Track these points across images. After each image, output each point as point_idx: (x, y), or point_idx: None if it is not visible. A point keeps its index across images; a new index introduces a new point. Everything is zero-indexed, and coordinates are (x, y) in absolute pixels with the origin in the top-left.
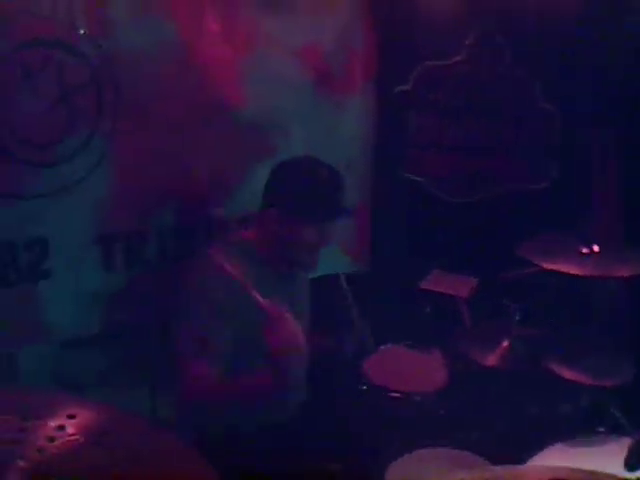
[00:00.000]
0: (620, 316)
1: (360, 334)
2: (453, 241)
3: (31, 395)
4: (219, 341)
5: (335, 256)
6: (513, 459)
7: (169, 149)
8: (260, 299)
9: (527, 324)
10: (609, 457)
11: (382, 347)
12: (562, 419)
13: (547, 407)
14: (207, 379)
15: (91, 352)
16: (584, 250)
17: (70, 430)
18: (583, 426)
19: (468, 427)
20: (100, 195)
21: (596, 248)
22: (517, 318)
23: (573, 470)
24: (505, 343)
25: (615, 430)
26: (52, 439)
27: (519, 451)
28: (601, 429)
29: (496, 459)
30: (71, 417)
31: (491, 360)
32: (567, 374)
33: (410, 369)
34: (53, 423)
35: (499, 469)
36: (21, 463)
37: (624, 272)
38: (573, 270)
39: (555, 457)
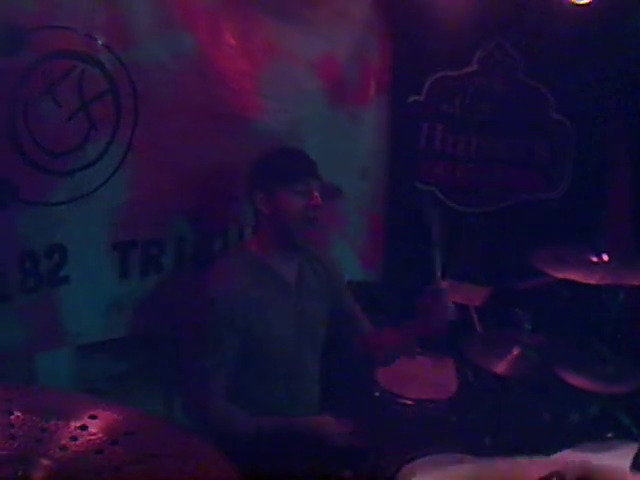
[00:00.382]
0: (629, 324)
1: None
2: (465, 250)
3: (53, 396)
4: (228, 355)
5: (348, 264)
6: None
7: (186, 158)
8: None
9: (538, 332)
10: (617, 463)
11: None
12: (571, 426)
13: (557, 414)
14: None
15: (108, 357)
16: (594, 259)
17: (92, 430)
18: (592, 432)
19: (479, 433)
20: (117, 203)
21: (606, 257)
22: (528, 327)
23: (570, 463)
24: (516, 351)
25: (624, 436)
26: (75, 438)
27: (529, 457)
28: (610, 435)
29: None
30: (93, 417)
31: (502, 368)
32: (576, 382)
33: (422, 376)
34: (75, 423)
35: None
36: (45, 461)
37: (635, 281)
38: (584, 279)
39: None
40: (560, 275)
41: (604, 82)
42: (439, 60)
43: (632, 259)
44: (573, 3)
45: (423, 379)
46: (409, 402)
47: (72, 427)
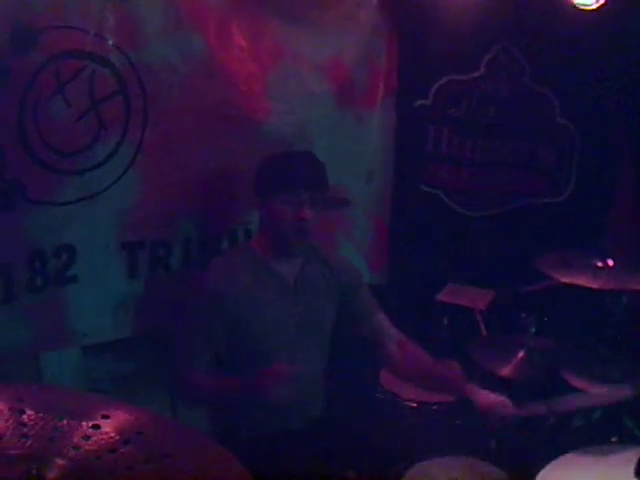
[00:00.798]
0: (634, 328)
1: None
2: (471, 254)
3: (65, 395)
4: (213, 338)
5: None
6: (527, 468)
7: (194, 160)
8: None
9: (542, 336)
10: (621, 466)
11: None
12: (576, 429)
13: (561, 417)
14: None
15: (113, 357)
16: (599, 264)
17: (105, 429)
18: (596, 436)
19: (483, 436)
20: (126, 203)
21: (611, 262)
22: (533, 330)
23: None
24: (521, 354)
25: (628, 440)
26: (87, 437)
27: (533, 460)
28: (614, 439)
29: (510, 468)
30: (105, 417)
31: (507, 371)
32: (581, 384)
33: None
34: (88, 422)
35: None
36: (58, 460)
37: (638, 285)
38: (588, 283)
39: (568, 466)
40: (565, 279)
41: (610, 87)
42: (446, 64)
43: (636, 263)
44: (580, 8)
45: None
46: (413, 404)
47: (84, 426)
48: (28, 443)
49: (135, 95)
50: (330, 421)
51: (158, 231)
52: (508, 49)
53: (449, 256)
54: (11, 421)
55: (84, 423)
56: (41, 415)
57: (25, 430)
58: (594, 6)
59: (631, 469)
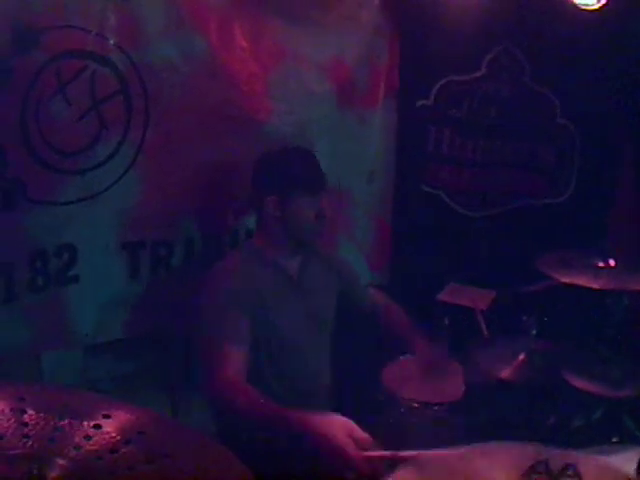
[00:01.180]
0: (634, 328)
1: None
2: (471, 254)
3: (66, 395)
4: (245, 336)
5: (355, 267)
6: None
7: (196, 160)
8: None
9: (543, 336)
10: (621, 467)
11: (401, 357)
12: (576, 429)
13: (562, 418)
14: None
15: (113, 357)
16: (600, 264)
17: (106, 429)
18: (597, 436)
19: (485, 437)
20: (127, 203)
21: (612, 262)
22: (534, 331)
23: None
24: (522, 355)
25: (628, 440)
26: (89, 437)
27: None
28: (614, 439)
29: None
30: (106, 417)
31: (508, 372)
32: (582, 385)
33: (428, 379)
34: (89, 422)
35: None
36: (59, 460)
37: (639, 285)
38: (589, 283)
39: None
40: (565, 279)
41: (610, 87)
42: (447, 64)
43: (637, 263)
44: (582, 8)
45: (429, 382)
46: (413, 404)
47: (86, 426)
48: (29, 443)
49: (136, 95)
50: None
51: (159, 231)
52: (509, 49)
53: (450, 256)
54: (12, 421)
55: (85, 423)
56: (42, 415)
57: (26, 430)
58: (596, 6)
59: (631, 469)
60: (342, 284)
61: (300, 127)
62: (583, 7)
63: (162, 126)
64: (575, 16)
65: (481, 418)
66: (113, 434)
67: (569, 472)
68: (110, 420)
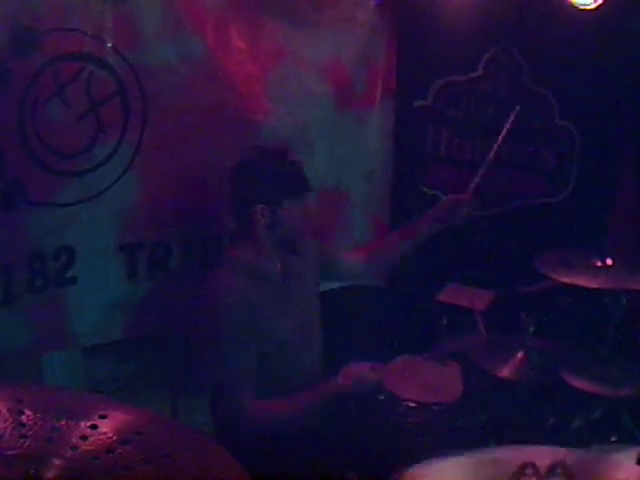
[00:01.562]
0: (633, 327)
1: None
2: (470, 254)
3: (63, 395)
4: (252, 356)
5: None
6: None
7: (194, 161)
8: None
9: (541, 336)
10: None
11: (400, 357)
12: (576, 429)
13: (561, 417)
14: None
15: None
16: (598, 263)
17: (103, 429)
18: (596, 436)
19: (483, 437)
20: (125, 204)
21: (609, 261)
22: (532, 330)
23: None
24: (520, 355)
25: (628, 440)
26: (85, 438)
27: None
28: (614, 439)
29: None
30: (103, 417)
31: (506, 371)
32: (580, 385)
33: (427, 380)
34: (86, 423)
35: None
36: (56, 460)
37: (638, 285)
38: (587, 283)
39: None
40: (564, 279)
41: (609, 87)
42: (445, 65)
43: (636, 263)
44: (579, 8)
45: (428, 382)
46: (413, 404)
47: (82, 426)
48: (26, 443)
49: (134, 97)
50: (330, 421)
51: (157, 232)
52: (507, 49)
53: (449, 256)
54: (10, 421)
55: (82, 423)
56: (40, 415)
57: (24, 430)
58: (592, 6)
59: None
60: (317, 267)
61: (298, 128)
62: (580, 7)
63: (160, 127)
64: (573, 16)
65: (480, 418)
66: (109, 434)
67: (558, 470)
68: (106, 420)
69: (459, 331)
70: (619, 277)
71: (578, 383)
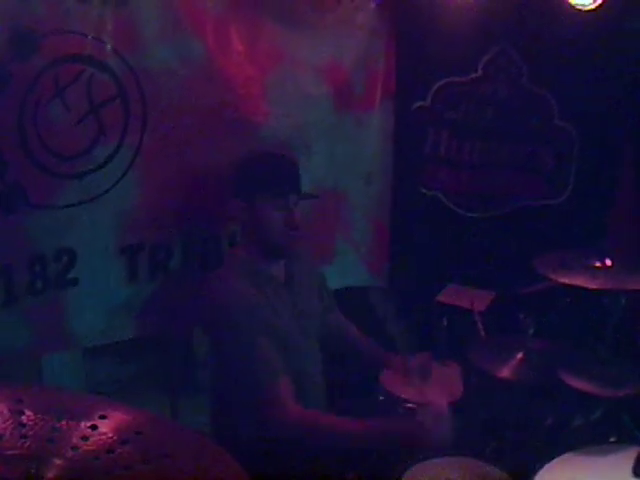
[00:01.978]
0: (632, 328)
1: None
2: (470, 255)
3: (64, 396)
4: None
5: (353, 269)
6: (526, 468)
7: (194, 163)
8: None
9: (541, 336)
10: (620, 466)
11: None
12: (575, 429)
13: (560, 418)
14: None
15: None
16: (597, 264)
17: (103, 429)
18: (596, 436)
19: (483, 437)
20: (126, 206)
21: (609, 262)
22: (531, 331)
23: None
24: (519, 355)
25: (627, 440)
26: (85, 438)
27: (533, 460)
28: (613, 438)
29: (510, 468)
30: (103, 418)
31: (506, 372)
32: (580, 385)
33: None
34: (86, 423)
35: None
36: (56, 461)
37: (637, 285)
38: (586, 284)
39: (567, 466)
40: (563, 280)
41: (609, 87)
42: (444, 66)
43: (635, 263)
44: (578, 8)
45: (428, 383)
46: (413, 406)
47: (83, 427)
48: (27, 443)
49: (134, 99)
50: None
51: (158, 233)
52: (506, 50)
53: (448, 258)
54: (10, 422)
55: (82, 424)
56: (40, 416)
57: (24, 431)
58: (592, 6)
59: (627, 469)
60: (320, 281)
61: (297, 130)
62: (579, 7)
63: (160, 129)
64: (572, 16)
65: (480, 418)
66: (110, 434)
67: None
68: (107, 421)
69: (459, 331)
70: (618, 278)
71: (577, 383)
